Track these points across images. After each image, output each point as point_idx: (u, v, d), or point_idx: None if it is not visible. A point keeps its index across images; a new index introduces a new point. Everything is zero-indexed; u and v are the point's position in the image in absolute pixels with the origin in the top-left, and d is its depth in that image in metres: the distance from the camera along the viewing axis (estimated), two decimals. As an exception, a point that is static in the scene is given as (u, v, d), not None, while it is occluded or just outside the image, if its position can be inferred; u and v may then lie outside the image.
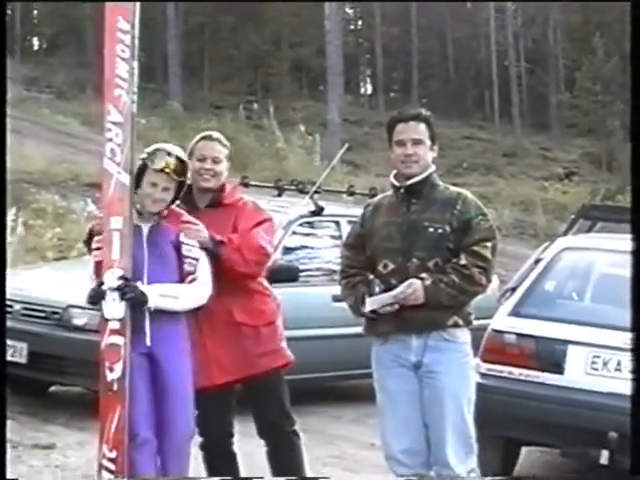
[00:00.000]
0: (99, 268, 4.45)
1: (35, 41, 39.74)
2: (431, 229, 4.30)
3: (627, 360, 5.64)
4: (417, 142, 4.36)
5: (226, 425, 4.87)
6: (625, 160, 26.20)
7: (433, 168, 4.43)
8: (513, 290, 6.30)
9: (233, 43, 36.59)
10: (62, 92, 27.33)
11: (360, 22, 42.48)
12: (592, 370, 5.73)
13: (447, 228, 4.31)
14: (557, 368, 5.78)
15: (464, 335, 4.38)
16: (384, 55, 36.90)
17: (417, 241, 4.31)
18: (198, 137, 4.79)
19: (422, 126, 4.38)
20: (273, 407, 4.81)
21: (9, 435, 6.15)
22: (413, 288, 4.25)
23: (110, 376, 4.35)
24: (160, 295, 4.41)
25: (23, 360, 7.07)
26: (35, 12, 38.30)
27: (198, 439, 4.84)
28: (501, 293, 6.64)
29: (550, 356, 5.81)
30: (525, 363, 5.85)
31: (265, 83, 35.93)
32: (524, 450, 6.40)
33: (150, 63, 35.96)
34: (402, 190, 4.39)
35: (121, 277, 4.36)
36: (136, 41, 4.45)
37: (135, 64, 4.44)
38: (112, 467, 4.36)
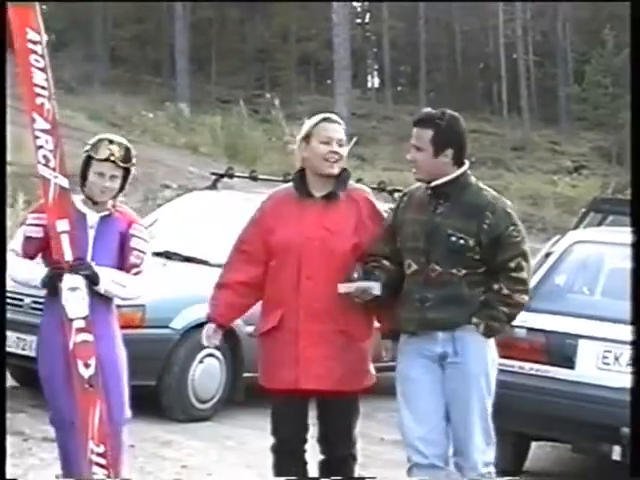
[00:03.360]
0: (29, 246, 4.55)
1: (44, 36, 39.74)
2: (453, 238, 4.27)
3: (639, 354, 5.63)
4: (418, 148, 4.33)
5: (300, 429, 4.49)
6: (635, 153, 26.18)
7: (462, 169, 4.35)
8: (523, 284, 6.28)
9: (240, 37, 36.58)
10: (70, 87, 27.34)
11: (367, 15, 42.42)
12: (603, 365, 5.72)
13: (470, 241, 4.26)
14: (568, 363, 5.78)
15: None
16: (391, 48, 36.84)
17: (438, 246, 4.28)
18: (316, 119, 4.45)
19: (429, 132, 4.31)
20: (341, 430, 4.50)
21: (20, 428, 6.20)
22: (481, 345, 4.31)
23: (87, 372, 4.44)
24: (111, 280, 4.52)
25: (33, 353, 7.05)
26: (44, 7, 38.34)
27: (271, 440, 4.57)
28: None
29: (561, 351, 5.81)
30: (536, 358, 5.84)
31: (272, 77, 35.90)
32: (534, 445, 6.39)
33: (157, 57, 36.02)
34: (429, 190, 4.37)
35: (77, 258, 4.47)
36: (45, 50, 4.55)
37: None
38: (102, 462, 4.43)
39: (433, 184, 4.34)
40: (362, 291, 4.28)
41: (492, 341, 4.40)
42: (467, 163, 4.39)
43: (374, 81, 41.77)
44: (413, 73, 39.48)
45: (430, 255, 4.30)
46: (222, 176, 9.09)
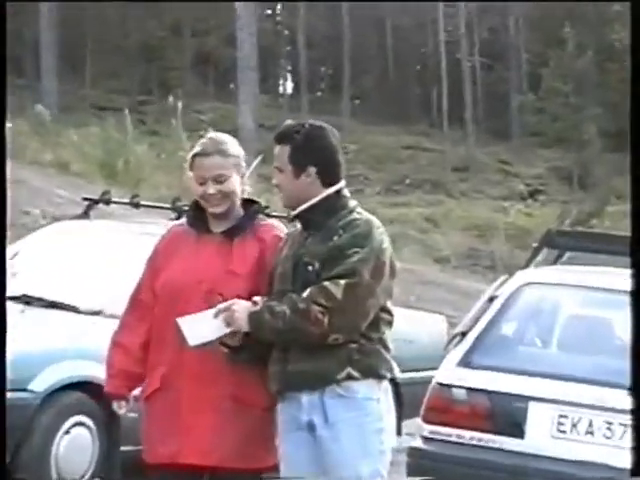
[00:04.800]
0: None
1: None
2: (310, 267, 4.28)
3: (601, 421, 5.72)
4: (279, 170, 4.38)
5: None
6: (601, 175, 26.67)
7: (330, 190, 4.38)
8: (463, 335, 6.34)
9: (122, 30, 36.53)
10: None
11: (279, 6, 42.72)
12: (559, 433, 5.80)
13: (317, 264, 4.28)
14: (516, 430, 5.85)
15: (367, 390, 4.29)
16: (308, 46, 37.10)
17: (296, 281, 4.31)
18: (193, 151, 4.52)
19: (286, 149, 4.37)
20: None
21: None
22: (234, 309, 4.22)
23: None
24: None
25: None
26: None
27: None
28: (449, 338, 6.68)
29: (508, 416, 5.88)
30: (477, 424, 5.90)
31: (162, 79, 35.91)
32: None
33: (19, 55, 35.77)
34: (297, 221, 4.43)
35: None
36: None
37: None
38: None
39: (295, 212, 4.39)
40: (207, 324, 4.23)
41: (380, 406, 4.32)
42: (342, 182, 4.42)
43: (287, 85, 42.09)
44: (335, 76, 39.81)
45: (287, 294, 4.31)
46: (96, 202, 9.05)
